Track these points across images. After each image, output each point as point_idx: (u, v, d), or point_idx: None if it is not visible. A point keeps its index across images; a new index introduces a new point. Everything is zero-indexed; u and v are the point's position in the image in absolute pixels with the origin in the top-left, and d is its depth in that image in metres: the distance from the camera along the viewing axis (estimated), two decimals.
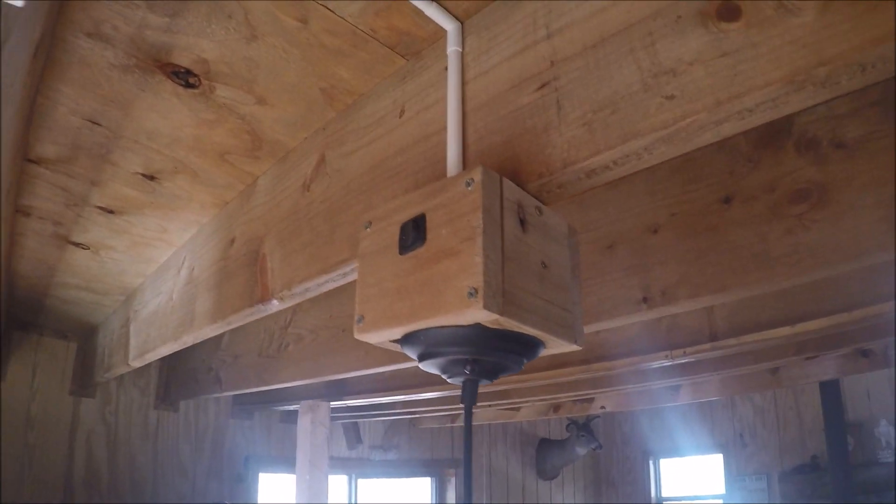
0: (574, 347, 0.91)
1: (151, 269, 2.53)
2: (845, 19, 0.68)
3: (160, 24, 1.16)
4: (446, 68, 1.13)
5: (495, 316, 0.77)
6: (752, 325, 2.13)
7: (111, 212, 2.00)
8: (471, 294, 0.76)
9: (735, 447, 6.28)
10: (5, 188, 1.45)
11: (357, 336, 0.92)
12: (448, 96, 1.09)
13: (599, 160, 0.85)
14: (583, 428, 6.28)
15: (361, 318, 0.92)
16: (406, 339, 0.90)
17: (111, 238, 2.23)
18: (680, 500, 7.08)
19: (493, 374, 0.90)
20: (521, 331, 0.84)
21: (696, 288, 1.51)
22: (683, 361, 2.74)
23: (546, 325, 0.85)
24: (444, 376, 0.92)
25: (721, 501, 6.44)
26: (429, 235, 0.86)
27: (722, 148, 1.53)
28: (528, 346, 0.88)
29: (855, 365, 3.28)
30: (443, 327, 0.84)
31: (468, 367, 0.87)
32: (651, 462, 7.12)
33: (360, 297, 0.94)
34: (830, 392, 5.34)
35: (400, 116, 1.24)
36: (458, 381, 0.91)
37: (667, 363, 2.50)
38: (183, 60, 1.27)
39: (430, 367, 0.92)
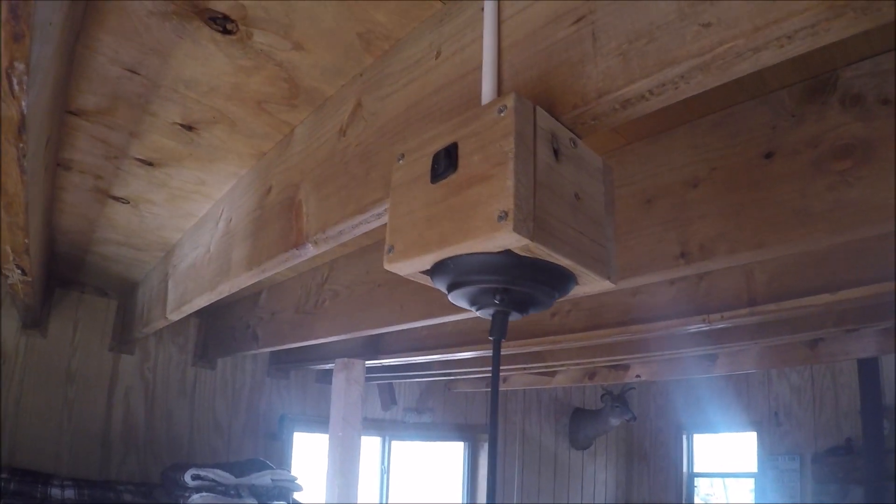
0: (608, 285, 0.90)
1: (190, 223, 2.55)
2: None
3: None
4: (483, 9, 1.12)
5: (525, 241, 0.76)
6: (792, 292, 2.09)
7: (150, 164, 2.02)
8: (501, 217, 0.74)
9: (769, 425, 6.21)
10: (45, 136, 1.47)
11: (386, 266, 0.91)
12: (484, 34, 1.07)
13: (635, 89, 0.83)
14: (617, 399, 6.28)
15: (392, 248, 0.91)
16: (435, 269, 0.89)
17: (150, 191, 2.25)
18: (712, 476, 7.05)
19: (523, 306, 0.89)
20: (552, 260, 0.82)
21: (734, 243, 1.48)
22: (720, 327, 2.70)
23: (579, 257, 0.83)
24: (472, 309, 0.91)
25: (752, 480, 6.39)
26: (460, 163, 0.84)
27: (765, 102, 1.50)
28: (560, 277, 0.86)
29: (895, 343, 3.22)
30: (472, 254, 0.82)
31: (498, 297, 0.86)
32: (684, 436, 7.08)
33: (391, 228, 0.93)
34: (869, 373, 5.23)
35: (436, 58, 1.23)
36: (487, 313, 0.91)
37: (703, 327, 2.47)
38: (220, 6, 1.27)
39: (458, 299, 0.91)
